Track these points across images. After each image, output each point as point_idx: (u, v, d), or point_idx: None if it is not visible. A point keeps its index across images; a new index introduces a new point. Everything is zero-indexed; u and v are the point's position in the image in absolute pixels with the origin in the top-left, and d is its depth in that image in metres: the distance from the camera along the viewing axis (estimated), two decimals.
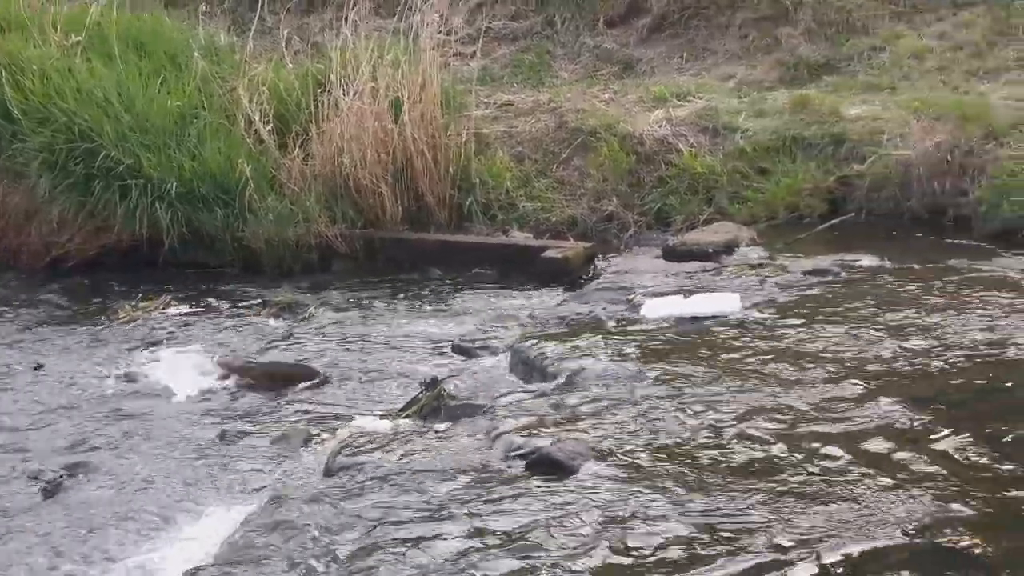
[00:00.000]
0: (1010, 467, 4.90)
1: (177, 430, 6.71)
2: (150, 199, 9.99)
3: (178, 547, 5.30)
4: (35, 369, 7.96)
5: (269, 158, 10.25)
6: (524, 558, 4.35)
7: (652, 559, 4.31)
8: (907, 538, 4.36)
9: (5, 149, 10.61)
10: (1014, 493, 4.69)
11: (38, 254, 10.40)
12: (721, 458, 5.11)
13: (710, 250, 8.84)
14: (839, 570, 4.19)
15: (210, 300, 9.29)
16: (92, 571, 5.24)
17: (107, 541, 5.48)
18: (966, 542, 4.32)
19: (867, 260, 8.36)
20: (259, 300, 9.16)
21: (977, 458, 4.99)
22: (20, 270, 10.37)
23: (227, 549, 4.84)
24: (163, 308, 9.12)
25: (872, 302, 7.28)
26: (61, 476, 6.15)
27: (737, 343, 6.66)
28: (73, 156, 10.23)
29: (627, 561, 4.30)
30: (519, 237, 9.89)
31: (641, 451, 5.24)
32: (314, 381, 7.35)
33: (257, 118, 10.34)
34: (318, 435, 6.40)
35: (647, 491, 4.84)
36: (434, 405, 6.30)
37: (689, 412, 5.63)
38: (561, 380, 6.34)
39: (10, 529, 5.62)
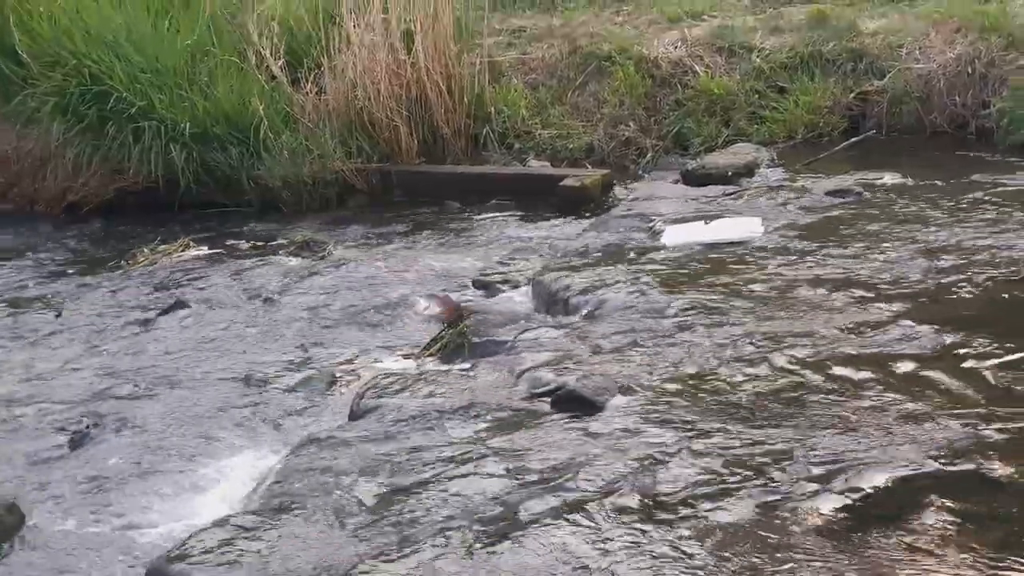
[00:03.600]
0: None
1: (200, 376, 6.68)
2: (164, 140, 9.97)
3: (207, 496, 5.29)
4: (56, 317, 7.94)
5: (282, 94, 10.18)
6: (554, 498, 4.32)
7: (682, 495, 4.27)
8: (937, 465, 4.31)
9: (16, 94, 10.56)
10: None
11: (54, 199, 10.40)
12: (748, 388, 5.07)
13: (729, 173, 8.77)
14: (869, 499, 4.15)
15: (229, 241, 9.26)
16: (121, 521, 5.22)
17: (136, 491, 5.45)
18: (997, 468, 4.27)
19: (889, 178, 8.29)
20: (277, 239, 9.13)
21: (1008, 381, 4.93)
22: (36, 216, 10.35)
23: (255, 497, 4.82)
24: (182, 251, 9.09)
25: (896, 221, 7.22)
26: (87, 426, 6.12)
27: (760, 269, 6.60)
28: (85, 99, 10.21)
29: (657, 498, 4.27)
30: (536, 166, 9.83)
31: (667, 384, 5.20)
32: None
33: (268, 54, 10.24)
34: (341, 377, 6.37)
35: (674, 425, 4.80)
36: (457, 342, 6.26)
37: (714, 342, 5.59)
38: (584, 313, 6.30)
39: (38, 482, 5.61)
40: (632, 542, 4.02)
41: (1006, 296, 5.92)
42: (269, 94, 10.13)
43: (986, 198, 7.53)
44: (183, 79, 10.22)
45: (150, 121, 10.00)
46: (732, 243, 7.09)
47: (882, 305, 5.84)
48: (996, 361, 5.10)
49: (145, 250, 9.15)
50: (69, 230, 10.00)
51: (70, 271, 8.95)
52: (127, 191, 10.26)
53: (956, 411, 4.69)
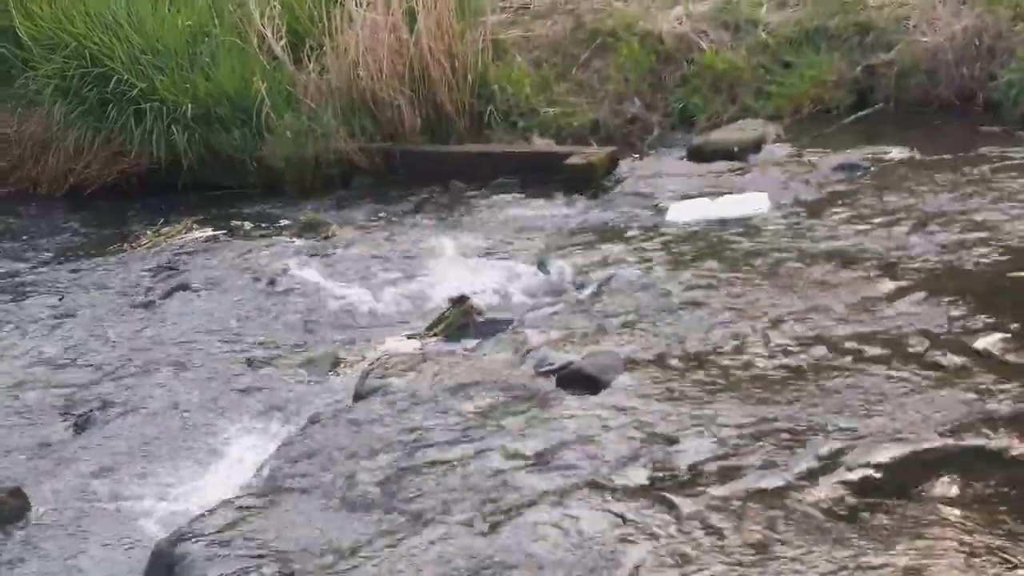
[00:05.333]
0: None
1: (204, 358, 6.67)
2: (166, 122, 9.94)
3: (212, 478, 5.28)
4: (59, 300, 7.92)
5: (284, 74, 10.14)
6: (560, 476, 4.31)
7: (688, 472, 4.25)
8: (944, 440, 4.29)
9: (17, 77, 10.54)
10: None
11: (56, 182, 10.38)
12: (754, 365, 5.05)
13: (735, 149, 8.73)
14: (877, 475, 4.13)
15: (233, 222, 9.23)
16: (126, 504, 5.22)
17: (141, 473, 5.46)
18: (1005, 443, 4.25)
19: (897, 152, 8.25)
20: (281, 220, 9.11)
21: (1015, 354, 4.91)
22: (39, 198, 10.34)
23: (261, 478, 4.81)
24: (185, 232, 9.07)
25: (904, 196, 7.18)
26: (91, 410, 6.12)
27: (767, 245, 6.58)
28: (86, 81, 10.18)
29: (664, 475, 4.25)
30: (541, 144, 9.75)
31: (674, 361, 5.17)
32: None
33: (270, 34, 10.20)
34: (346, 358, 6.35)
35: (681, 403, 4.78)
36: (462, 322, 6.24)
37: (721, 319, 5.57)
38: (590, 291, 6.28)
39: (42, 466, 5.61)
40: (639, 519, 4.00)
41: (1014, 270, 5.89)
42: (271, 74, 10.09)
43: (994, 171, 7.50)
44: (184, 60, 10.18)
45: (152, 103, 9.98)
46: (738, 219, 7.06)
47: (889, 280, 5.82)
48: (1003, 335, 5.07)
49: (148, 232, 9.14)
50: (72, 213, 9.99)
51: (73, 254, 8.94)
52: (129, 173, 10.24)
53: (964, 386, 4.67)
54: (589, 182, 8.96)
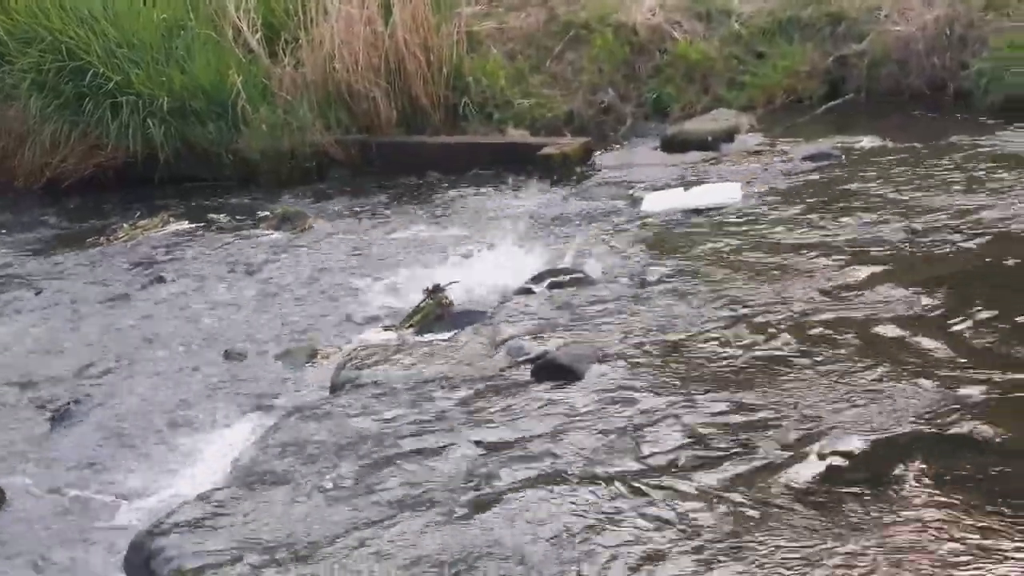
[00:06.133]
0: (1020, 349, 4.85)
1: (181, 351, 6.68)
2: (142, 115, 9.95)
3: (188, 470, 5.29)
4: (36, 294, 7.92)
5: (260, 67, 10.14)
6: (534, 467, 4.32)
7: (661, 462, 4.27)
8: (917, 427, 4.31)
9: None
10: None
11: (33, 176, 10.37)
12: (729, 354, 5.07)
13: (709, 139, 8.78)
14: (848, 462, 4.15)
15: (209, 215, 9.24)
16: (103, 497, 5.24)
17: (117, 466, 5.48)
18: (976, 428, 4.27)
19: (868, 141, 8.30)
20: (258, 213, 9.11)
21: (986, 341, 4.94)
22: (16, 192, 10.33)
23: (236, 471, 4.81)
24: (161, 226, 9.07)
25: (874, 184, 7.21)
26: (68, 403, 6.13)
27: (740, 234, 6.61)
28: (62, 75, 10.18)
29: (638, 466, 4.26)
30: (516, 135, 9.80)
31: (648, 351, 5.19)
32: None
33: (245, 27, 10.20)
34: (322, 350, 6.36)
35: (655, 392, 4.79)
36: (437, 313, 6.26)
37: (695, 308, 5.59)
38: (565, 281, 6.29)
39: (19, 459, 5.62)
40: (612, 509, 4.01)
41: (984, 257, 5.93)
42: (247, 68, 10.09)
43: (964, 160, 7.54)
44: (160, 54, 10.18)
45: (128, 96, 9.99)
46: (711, 209, 7.10)
47: (861, 268, 5.84)
48: (974, 322, 5.10)
49: (125, 225, 9.14)
50: (48, 207, 9.98)
51: (50, 248, 8.94)
52: (106, 167, 10.24)
53: (936, 372, 4.69)
54: (563, 172, 9.00)
